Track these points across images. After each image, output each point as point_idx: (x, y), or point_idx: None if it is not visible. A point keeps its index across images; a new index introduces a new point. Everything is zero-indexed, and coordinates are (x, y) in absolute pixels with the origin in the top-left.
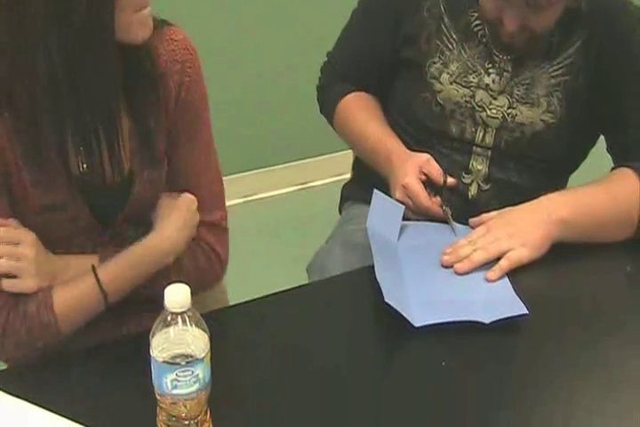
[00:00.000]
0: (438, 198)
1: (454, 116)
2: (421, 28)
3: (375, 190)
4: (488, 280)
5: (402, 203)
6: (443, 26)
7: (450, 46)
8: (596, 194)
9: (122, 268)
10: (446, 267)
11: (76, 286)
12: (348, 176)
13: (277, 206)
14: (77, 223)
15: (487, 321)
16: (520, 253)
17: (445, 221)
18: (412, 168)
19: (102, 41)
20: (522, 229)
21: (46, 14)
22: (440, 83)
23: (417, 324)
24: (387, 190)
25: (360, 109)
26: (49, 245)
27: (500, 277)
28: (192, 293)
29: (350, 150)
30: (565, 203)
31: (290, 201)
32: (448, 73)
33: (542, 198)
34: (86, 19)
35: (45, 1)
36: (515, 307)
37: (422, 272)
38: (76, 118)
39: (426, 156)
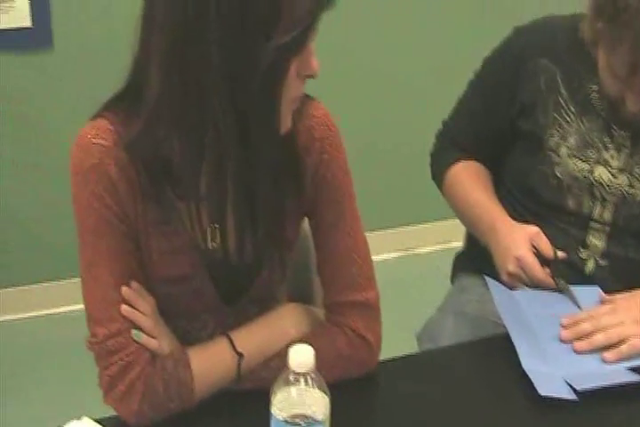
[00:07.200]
0: (548, 270)
1: (572, 190)
2: (538, 100)
3: (486, 278)
4: (604, 359)
5: (515, 275)
6: (560, 98)
7: (568, 119)
8: None
9: (250, 329)
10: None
11: (210, 347)
12: (454, 245)
13: (379, 272)
14: (201, 299)
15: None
16: None
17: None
18: (524, 240)
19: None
20: None
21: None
22: (558, 156)
23: (542, 393)
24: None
25: (468, 177)
26: (171, 317)
27: (617, 361)
28: (335, 380)
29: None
30: None
31: (393, 267)
32: (567, 146)
33: None
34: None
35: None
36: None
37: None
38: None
39: (535, 228)
